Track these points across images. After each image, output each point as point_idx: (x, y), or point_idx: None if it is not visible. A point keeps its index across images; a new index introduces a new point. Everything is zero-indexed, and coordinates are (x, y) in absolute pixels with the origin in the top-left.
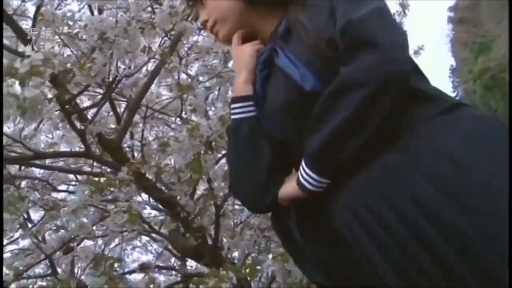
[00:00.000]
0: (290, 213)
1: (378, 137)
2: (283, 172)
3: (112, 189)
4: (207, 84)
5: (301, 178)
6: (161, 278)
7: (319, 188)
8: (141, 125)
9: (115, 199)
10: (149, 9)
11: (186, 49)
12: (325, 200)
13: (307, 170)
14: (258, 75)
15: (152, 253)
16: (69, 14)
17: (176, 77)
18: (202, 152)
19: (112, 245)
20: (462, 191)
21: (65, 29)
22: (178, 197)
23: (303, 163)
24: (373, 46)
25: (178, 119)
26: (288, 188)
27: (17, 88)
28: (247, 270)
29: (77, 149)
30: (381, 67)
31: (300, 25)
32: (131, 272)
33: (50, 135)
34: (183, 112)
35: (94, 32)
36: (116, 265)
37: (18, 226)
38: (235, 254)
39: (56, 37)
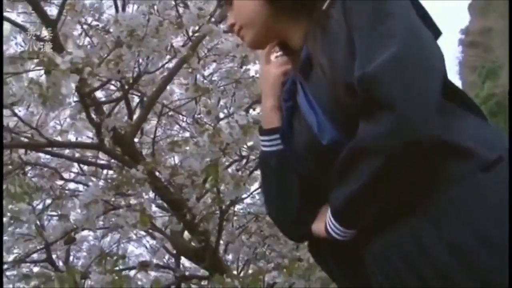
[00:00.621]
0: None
1: (405, 196)
2: (315, 202)
3: (127, 187)
4: (222, 88)
5: (328, 227)
6: (153, 273)
7: (345, 237)
8: (152, 122)
9: (126, 194)
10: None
11: (206, 50)
12: (355, 241)
13: (333, 221)
14: (283, 105)
15: (146, 247)
16: (96, 5)
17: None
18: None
19: (109, 237)
20: (484, 266)
21: (89, 20)
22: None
23: (329, 213)
24: (388, 109)
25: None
26: (318, 228)
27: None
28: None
29: (85, 138)
30: (396, 135)
31: (318, 62)
32: (131, 268)
33: (58, 121)
34: (196, 113)
35: (125, 28)
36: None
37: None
38: (229, 256)
39: (78, 26)
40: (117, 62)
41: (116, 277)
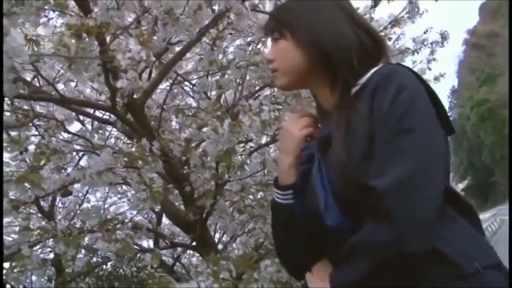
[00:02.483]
0: None
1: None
2: (316, 252)
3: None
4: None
5: None
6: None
7: None
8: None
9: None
10: None
11: (225, 23)
12: None
13: None
14: (300, 167)
15: (129, 199)
16: None
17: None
18: None
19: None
20: None
21: None
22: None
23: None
24: (389, 221)
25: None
26: (311, 282)
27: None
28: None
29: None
30: (390, 246)
31: (336, 151)
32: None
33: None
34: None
35: (164, 6)
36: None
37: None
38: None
39: None
40: (149, 38)
41: (120, 246)
